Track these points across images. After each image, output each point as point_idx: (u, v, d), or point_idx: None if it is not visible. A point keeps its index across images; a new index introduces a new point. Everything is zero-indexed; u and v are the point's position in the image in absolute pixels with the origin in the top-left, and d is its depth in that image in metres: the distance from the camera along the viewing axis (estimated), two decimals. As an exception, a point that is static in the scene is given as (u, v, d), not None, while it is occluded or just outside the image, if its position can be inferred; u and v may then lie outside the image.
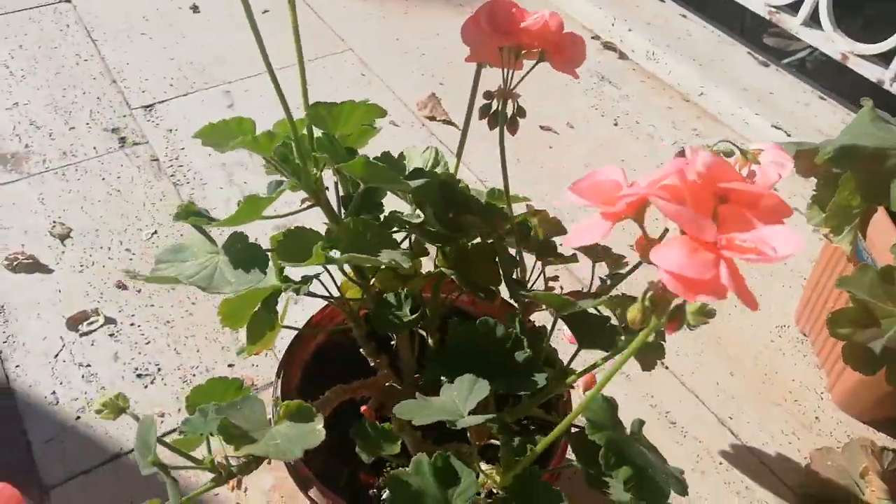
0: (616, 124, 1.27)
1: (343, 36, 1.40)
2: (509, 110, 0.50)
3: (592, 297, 0.51)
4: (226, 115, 1.17)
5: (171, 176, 1.08)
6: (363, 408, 0.58)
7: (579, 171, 1.12)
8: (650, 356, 0.54)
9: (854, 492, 0.76)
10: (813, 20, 1.21)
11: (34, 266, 0.94)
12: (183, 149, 1.13)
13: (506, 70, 0.49)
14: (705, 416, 0.85)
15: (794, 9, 1.24)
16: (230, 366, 0.85)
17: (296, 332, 0.64)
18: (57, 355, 0.85)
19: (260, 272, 0.46)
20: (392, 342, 0.59)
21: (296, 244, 0.47)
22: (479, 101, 0.51)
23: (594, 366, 0.49)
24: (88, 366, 0.84)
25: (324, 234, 0.48)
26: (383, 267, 0.53)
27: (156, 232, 1.00)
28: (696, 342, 0.93)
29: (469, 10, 0.57)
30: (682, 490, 0.43)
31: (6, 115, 1.16)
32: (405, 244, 0.55)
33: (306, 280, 0.52)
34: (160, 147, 1.13)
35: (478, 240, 0.53)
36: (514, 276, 0.53)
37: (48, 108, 1.18)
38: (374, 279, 0.55)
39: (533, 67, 0.49)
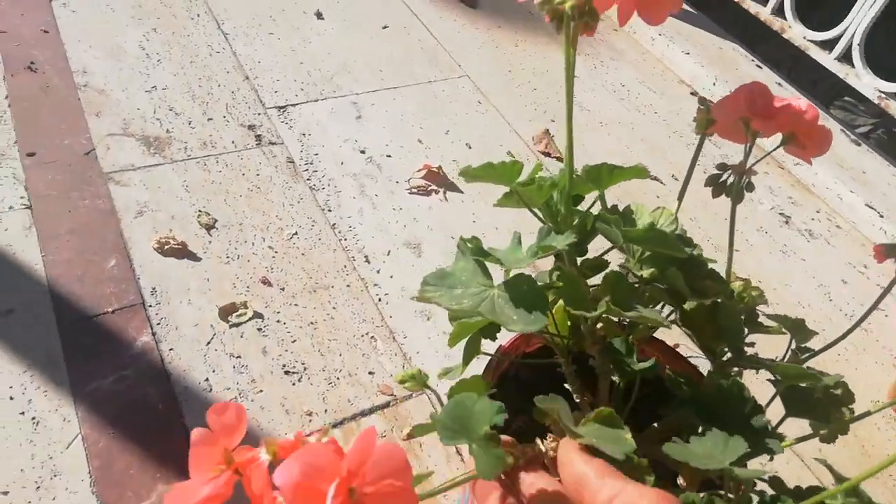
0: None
1: (460, 62, 1.45)
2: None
3: (805, 373, 0.54)
4: (355, 126, 1.23)
5: (307, 180, 1.13)
6: None
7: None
8: (835, 432, 0.58)
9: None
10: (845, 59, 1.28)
11: (183, 252, 0.98)
12: (317, 154, 1.17)
13: (747, 146, 0.54)
14: (810, 479, 0.90)
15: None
16: (370, 373, 0.89)
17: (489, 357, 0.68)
18: (209, 343, 0.88)
19: (541, 315, 0.50)
20: (578, 383, 0.63)
21: (572, 290, 0.51)
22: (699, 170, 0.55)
23: (803, 439, 0.53)
24: (239, 357, 0.88)
25: (589, 285, 0.53)
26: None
27: (296, 233, 1.04)
28: (801, 406, 0.98)
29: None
30: None
31: (146, 98, 1.20)
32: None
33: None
34: (295, 150, 1.17)
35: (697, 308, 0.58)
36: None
37: (186, 96, 1.22)
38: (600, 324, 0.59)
39: (776, 148, 0.54)
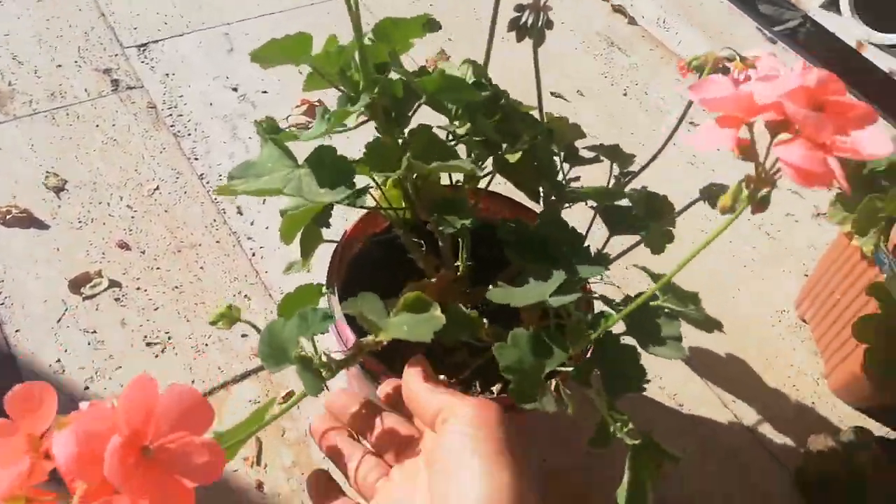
0: (625, 94, 1.25)
1: (346, -21, 1.32)
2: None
3: (617, 193, 0.59)
4: (226, 61, 1.12)
5: (171, 126, 1.02)
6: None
7: (587, 142, 1.12)
8: (661, 241, 0.61)
9: (850, 477, 0.80)
10: (831, 3, 1.20)
11: (29, 220, 0.88)
12: (181, 96, 1.07)
13: None
14: (710, 398, 0.88)
15: (815, -11, 1.23)
16: (243, 336, 0.83)
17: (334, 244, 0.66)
18: (59, 320, 0.81)
19: (346, 186, 0.48)
20: (421, 250, 0.64)
21: (380, 157, 0.50)
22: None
23: (627, 250, 0.60)
24: (94, 332, 0.81)
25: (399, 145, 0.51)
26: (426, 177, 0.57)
27: (158, 188, 0.95)
28: (703, 325, 0.95)
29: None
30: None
31: (-17, 47, 1.07)
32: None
33: (360, 192, 0.56)
34: (157, 93, 1.06)
35: (518, 154, 0.58)
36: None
37: (31, 41, 1.09)
38: (422, 190, 0.58)
39: None
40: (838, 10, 1.21)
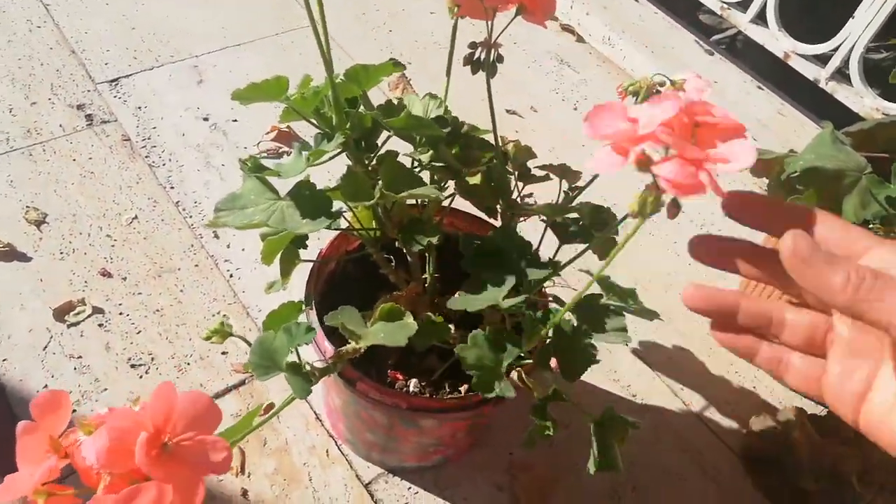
0: (576, 109, 1.33)
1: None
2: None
3: (564, 208, 0.66)
4: (196, 92, 1.18)
5: (146, 157, 1.07)
6: (390, 372, 0.71)
7: (545, 156, 1.19)
8: (608, 248, 0.66)
9: (789, 453, 0.88)
10: (760, 18, 1.30)
11: (11, 254, 0.93)
12: (154, 128, 1.12)
13: (488, 23, 0.57)
14: (661, 388, 0.95)
15: (743, 7, 1.32)
16: (223, 353, 0.88)
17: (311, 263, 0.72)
18: (45, 347, 0.85)
19: (326, 217, 0.53)
20: (391, 265, 0.70)
21: (355, 187, 0.55)
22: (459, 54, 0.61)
23: (576, 257, 0.64)
24: (80, 357, 0.85)
25: (367, 176, 0.57)
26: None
27: (136, 217, 1.00)
28: (652, 322, 1.03)
29: None
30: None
31: (-43, 88, 1.11)
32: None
33: (335, 216, 0.61)
34: (130, 126, 1.11)
35: (478, 177, 0.65)
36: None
37: (4, 81, 1.13)
38: (392, 212, 0.65)
39: (511, 21, 0.57)
40: (766, 24, 1.30)
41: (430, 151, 0.64)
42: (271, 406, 0.85)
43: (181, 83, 1.19)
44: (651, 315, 0.61)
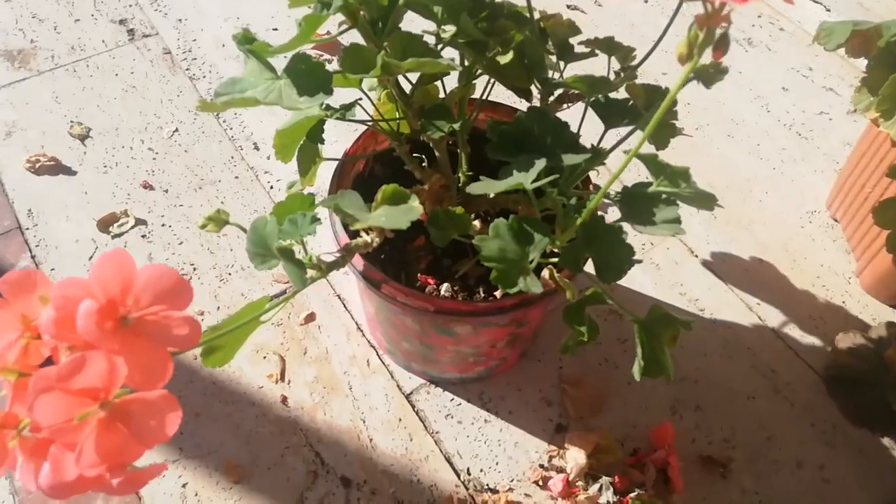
0: (646, 1, 1.20)
1: None
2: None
3: (608, 82, 0.57)
4: (235, 1, 1.12)
5: (187, 70, 1.05)
6: (421, 276, 0.67)
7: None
8: (665, 134, 0.58)
9: (880, 372, 0.78)
10: None
11: (57, 168, 0.93)
12: (195, 40, 1.08)
13: None
14: (734, 302, 0.86)
15: None
16: (264, 263, 0.86)
17: (336, 161, 0.67)
18: (91, 257, 0.86)
19: (324, 93, 0.48)
20: (424, 164, 0.65)
21: (356, 58, 0.49)
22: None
23: (622, 140, 0.58)
24: (125, 266, 0.85)
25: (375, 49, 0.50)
26: (417, 85, 0.59)
27: (177, 129, 0.98)
28: (725, 229, 0.93)
29: None
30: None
31: (6, 8, 1.11)
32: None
33: (349, 106, 0.57)
34: (171, 38, 1.08)
35: (510, 55, 0.57)
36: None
37: (50, 0, 1.12)
38: (412, 97, 0.58)
39: None
40: None
41: (453, 27, 0.57)
42: (311, 316, 0.82)
43: (222, -7, 1.15)
44: (709, 201, 0.52)
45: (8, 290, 0.37)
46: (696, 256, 0.90)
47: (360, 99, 0.60)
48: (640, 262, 0.52)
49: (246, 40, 0.52)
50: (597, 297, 0.51)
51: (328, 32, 1.09)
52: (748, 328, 0.84)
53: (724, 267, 0.89)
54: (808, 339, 0.84)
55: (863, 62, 0.76)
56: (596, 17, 1.17)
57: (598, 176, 0.93)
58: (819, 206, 0.96)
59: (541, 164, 0.49)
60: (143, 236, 0.87)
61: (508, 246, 0.49)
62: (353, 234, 0.60)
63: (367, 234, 0.54)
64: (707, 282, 0.88)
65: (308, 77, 0.49)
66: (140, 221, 0.89)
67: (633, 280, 0.86)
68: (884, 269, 0.84)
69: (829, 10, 1.17)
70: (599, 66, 0.63)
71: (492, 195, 0.51)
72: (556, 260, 0.54)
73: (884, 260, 0.83)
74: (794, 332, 0.84)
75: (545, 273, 0.54)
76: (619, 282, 0.70)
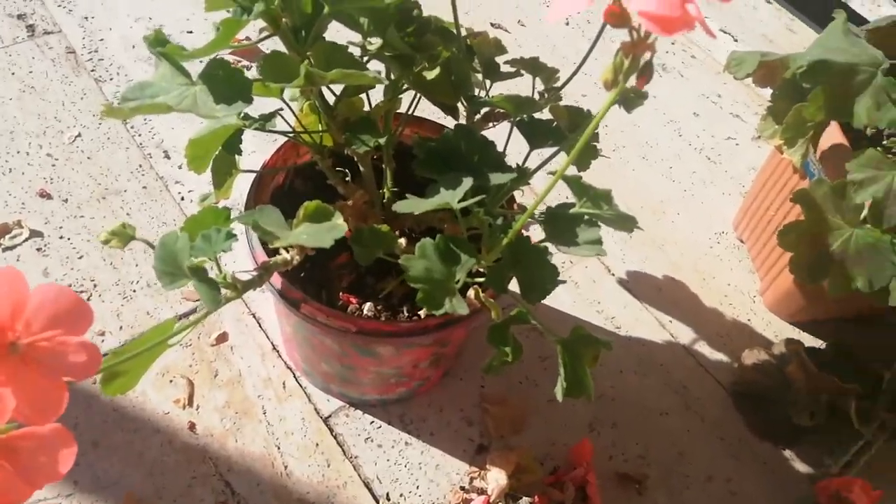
0: (567, 24, 1.23)
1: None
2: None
3: (533, 102, 0.58)
4: (151, 5, 1.07)
5: (92, 71, 0.98)
6: (343, 295, 0.65)
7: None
8: (587, 156, 0.61)
9: (783, 388, 0.82)
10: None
11: (-59, 172, 0.85)
12: (102, 40, 1.02)
13: None
14: (648, 320, 0.89)
15: None
16: (174, 279, 0.81)
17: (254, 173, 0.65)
18: (-20, 271, 0.78)
19: (243, 101, 0.45)
20: (347, 178, 0.64)
21: (278, 67, 0.47)
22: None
23: (547, 161, 0.59)
24: (17, 282, 0.78)
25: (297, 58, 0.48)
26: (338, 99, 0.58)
27: (80, 135, 0.91)
28: (640, 249, 0.95)
29: None
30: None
31: None
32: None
33: (269, 116, 0.54)
34: (76, 37, 1.02)
35: (436, 70, 0.56)
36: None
37: (-65, -12, 1.03)
38: (336, 109, 0.57)
39: None
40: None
41: (379, 40, 0.56)
42: (223, 336, 0.78)
43: (133, -8, 1.09)
44: (629, 223, 0.53)
45: None
46: (613, 275, 0.92)
47: (282, 109, 0.58)
48: (563, 282, 0.52)
49: (158, 42, 0.49)
50: (521, 318, 0.51)
51: (247, 38, 1.05)
52: (661, 345, 0.87)
53: (638, 286, 0.92)
54: (717, 356, 0.87)
55: (768, 91, 0.81)
56: (519, 37, 1.19)
57: (521, 196, 0.94)
58: (727, 227, 1.01)
59: (468, 182, 0.49)
60: (39, 249, 0.81)
61: (435, 266, 0.48)
62: (272, 252, 0.58)
63: (287, 251, 0.52)
64: (623, 300, 0.90)
65: (226, 84, 0.47)
66: (35, 233, 0.82)
67: (554, 298, 0.87)
68: (785, 289, 0.89)
69: (736, 41, 1.24)
70: (524, 85, 0.64)
71: (416, 213, 0.51)
72: (481, 280, 0.53)
73: (785, 279, 0.88)
74: (703, 349, 0.88)
75: (471, 293, 0.54)
76: (540, 301, 0.71)
